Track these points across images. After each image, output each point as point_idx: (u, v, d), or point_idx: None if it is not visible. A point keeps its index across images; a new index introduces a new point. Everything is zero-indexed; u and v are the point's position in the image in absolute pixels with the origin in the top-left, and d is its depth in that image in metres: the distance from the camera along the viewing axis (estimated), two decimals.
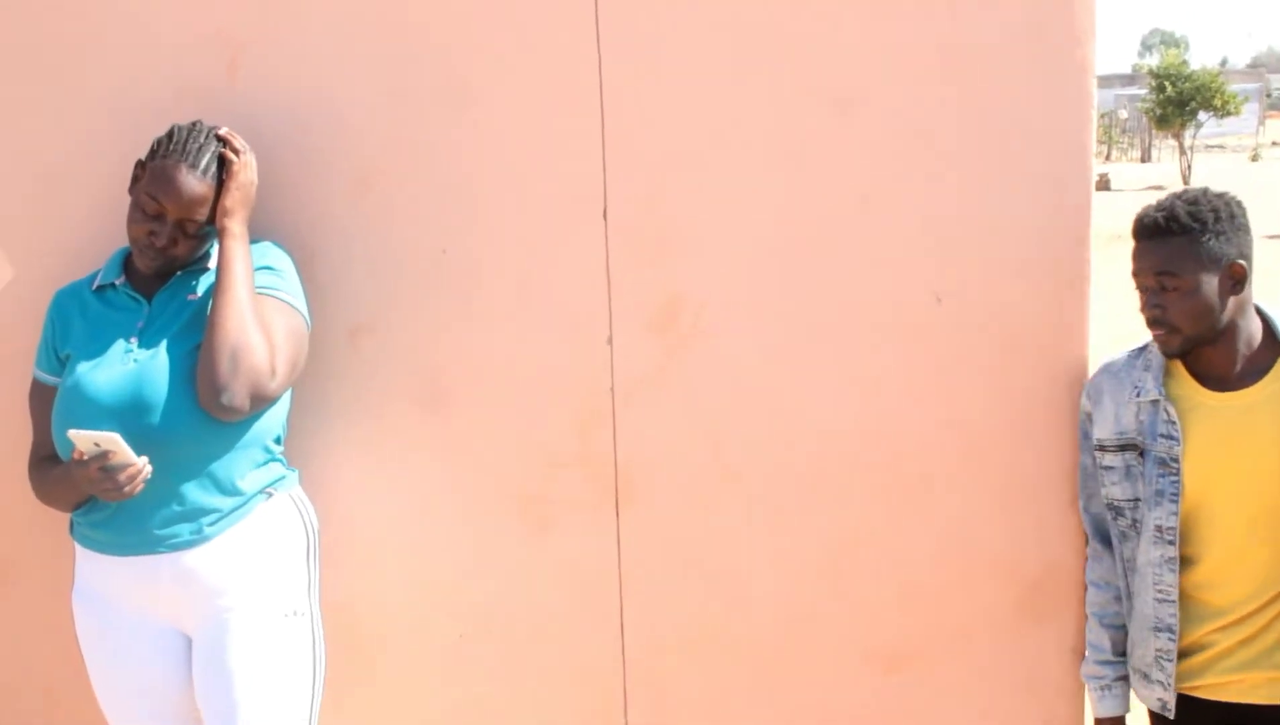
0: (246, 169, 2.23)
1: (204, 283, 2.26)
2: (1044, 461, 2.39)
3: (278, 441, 2.30)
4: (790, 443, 2.42)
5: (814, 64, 2.34)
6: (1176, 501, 2.15)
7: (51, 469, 2.24)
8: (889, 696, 2.47)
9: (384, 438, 2.48)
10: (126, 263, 2.31)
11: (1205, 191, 2.13)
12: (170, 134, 2.22)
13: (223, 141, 2.23)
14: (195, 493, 2.17)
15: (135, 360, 2.18)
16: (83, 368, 2.20)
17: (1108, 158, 35.83)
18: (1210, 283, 2.07)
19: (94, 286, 2.30)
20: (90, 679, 2.32)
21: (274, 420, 2.26)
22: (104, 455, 2.03)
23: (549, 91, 2.38)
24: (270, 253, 2.30)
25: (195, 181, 2.18)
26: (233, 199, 2.20)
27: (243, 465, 2.21)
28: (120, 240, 2.35)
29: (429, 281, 2.43)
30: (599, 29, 2.36)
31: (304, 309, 2.29)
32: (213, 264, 2.26)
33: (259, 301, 2.19)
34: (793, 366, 2.40)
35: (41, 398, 2.30)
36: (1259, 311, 2.15)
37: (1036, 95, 2.30)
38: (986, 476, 2.41)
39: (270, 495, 2.26)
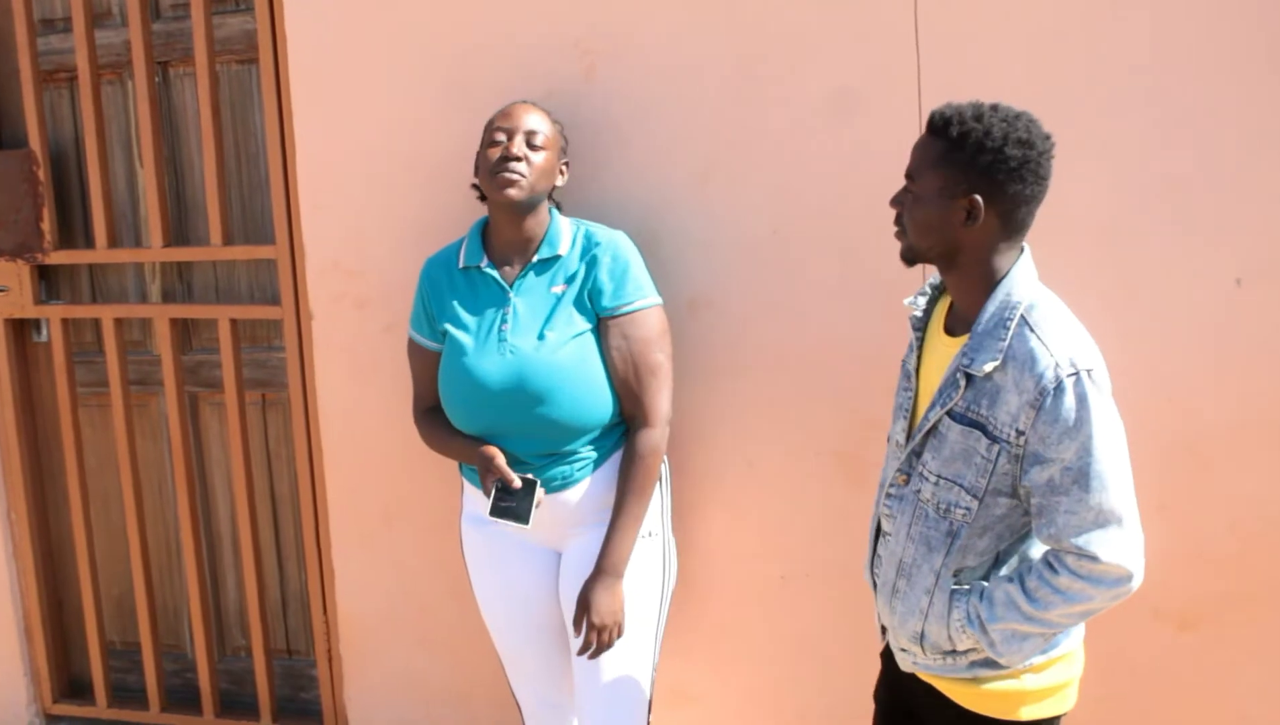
0: None
1: (563, 273, 2.46)
2: None
3: None
4: None
5: (1112, 52, 2.42)
6: (909, 417, 2.08)
7: (442, 427, 2.54)
8: (1178, 654, 2.58)
9: (718, 397, 2.72)
10: (484, 241, 2.53)
11: (1015, 116, 1.89)
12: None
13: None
14: (567, 449, 2.44)
15: (512, 351, 2.41)
16: (466, 353, 2.44)
17: None
18: (944, 201, 1.89)
19: (461, 266, 2.53)
20: (474, 589, 2.63)
21: None
22: (514, 492, 2.38)
23: (869, 87, 2.55)
24: (632, 255, 2.48)
25: (532, 108, 2.49)
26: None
27: (608, 427, 2.48)
28: None
29: (760, 259, 2.66)
30: (917, 22, 2.51)
31: (658, 295, 2.51)
32: (563, 250, 2.47)
33: (647, 320, 2.45)
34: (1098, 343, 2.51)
35: (421, 358, 2.60)
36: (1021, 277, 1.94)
37: None
38: None
39: None
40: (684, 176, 2.69)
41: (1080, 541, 1.82)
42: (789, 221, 2.65)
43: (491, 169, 2.42)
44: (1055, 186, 2.43)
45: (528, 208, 2.46)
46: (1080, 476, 1.82)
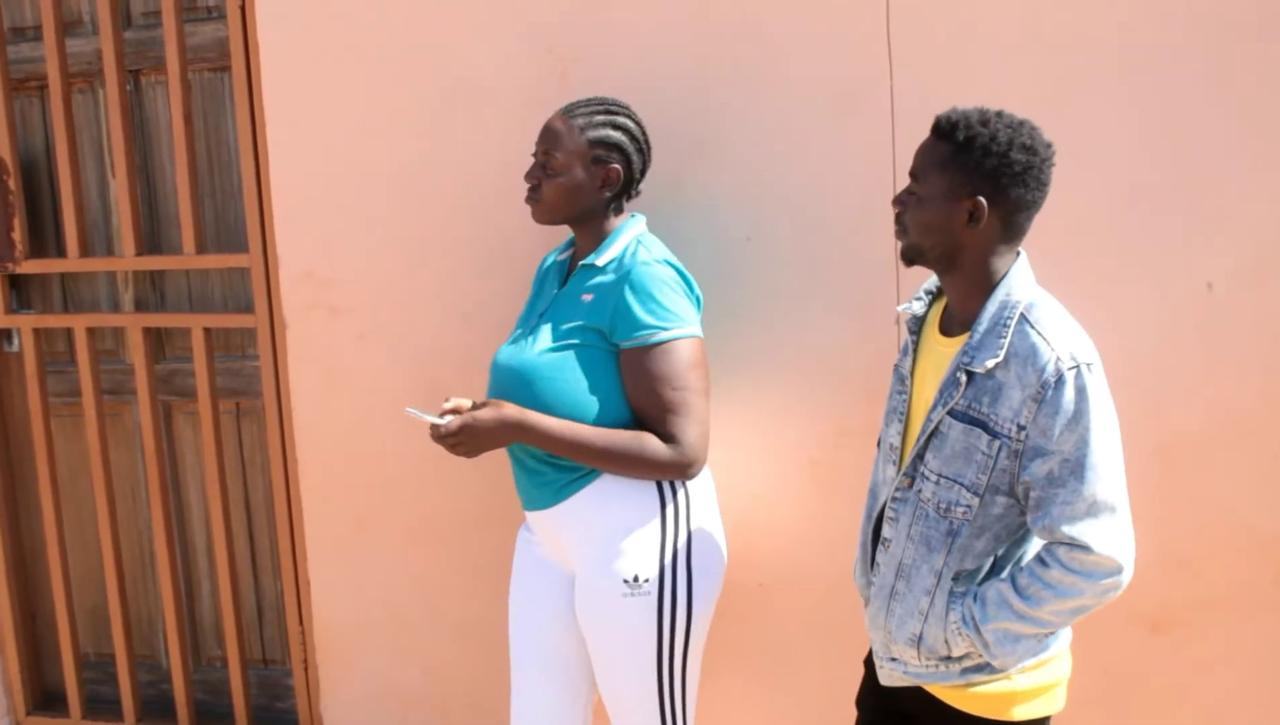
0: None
1: (594, 284, 2.36)
2: None
3: None
4: None
5: (1083, 59, 2.42)
6: (904, 420, 2.09)
7: None
8: (1151, 657, 2.59)
9: None
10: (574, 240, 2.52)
11: (1019, 123, 1.91)
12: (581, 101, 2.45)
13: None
14: (554, 462, 2.35)
15: (526, 340, 2.39)
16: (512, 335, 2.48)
17: None
18: (948, 202, 1.90)
19: (555, 259, 2.56)
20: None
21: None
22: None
23: (842, 93, 2.55)
24: (657, 286, 2.32)
25: (560, 122, 2.39)
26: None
27: None
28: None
29: (736, 265, 2.66)
30: (890, 29, 2.52)
31: (697, 323, 2.37)
32: (601, 261, 2.36)
33: (691, 350, 2.32)
34: None
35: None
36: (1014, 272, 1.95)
37: None
38: (1250, 456, 2.48)
39: None
40: (657, 183, 2.68)
41: (1073, 531, 1.84)
42: (763, 228, 2.65)
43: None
44: None
45: (557, 224, 2.46)
46: (1077, 467, 1.84)
